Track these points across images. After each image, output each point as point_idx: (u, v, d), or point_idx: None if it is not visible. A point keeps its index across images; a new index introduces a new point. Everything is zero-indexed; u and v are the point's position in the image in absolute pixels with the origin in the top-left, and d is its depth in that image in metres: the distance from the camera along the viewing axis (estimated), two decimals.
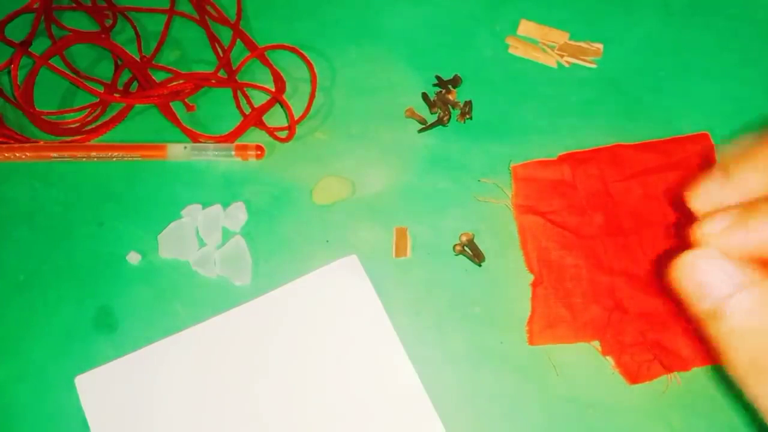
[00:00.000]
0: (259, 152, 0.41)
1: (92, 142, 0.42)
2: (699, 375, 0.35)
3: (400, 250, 0.38)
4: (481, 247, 0.38)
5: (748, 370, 0.21)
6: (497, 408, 0.35)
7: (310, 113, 0.43)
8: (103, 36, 0.45)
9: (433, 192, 0.40)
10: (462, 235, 0.38)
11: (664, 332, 0.35)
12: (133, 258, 0.39)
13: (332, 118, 0.43)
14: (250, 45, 0.45)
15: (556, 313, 0.36)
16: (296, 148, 0.42)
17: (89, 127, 0.43)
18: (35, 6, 0.46)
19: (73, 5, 0.46)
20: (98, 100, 0.43)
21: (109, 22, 0.46)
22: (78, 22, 0.46)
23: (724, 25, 0.44)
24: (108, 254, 0.39)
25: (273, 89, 0.43)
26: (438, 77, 0.43)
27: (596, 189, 0.38)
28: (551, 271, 0.37)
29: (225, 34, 0.45)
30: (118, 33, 0.46)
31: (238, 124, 0.42)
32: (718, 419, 0.34)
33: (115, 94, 0.43)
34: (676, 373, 0.35)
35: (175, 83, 0.43)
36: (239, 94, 0.43)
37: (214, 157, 0.41)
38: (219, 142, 0.41)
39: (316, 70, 0.43)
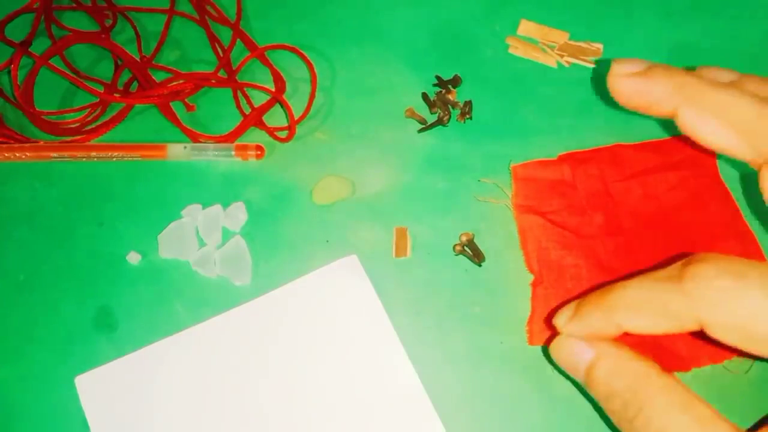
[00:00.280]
0: (259, 152, 0.41)
1: (92, 142, 0.42)
2: (699, 375, 0.35)
3: (400, 250, 0.38)
4: (481, 247, 0.38)
5: (620, 422, 0.26)
6: (497, 408, 0.35)
7: (310, 113, 0.43)
8: (103, 36, 0.45)
9: (433, 192, 0.40)
10: (462, 235, 0.38)
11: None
12: (133, 258, 0.39)
13: (332, 118, 0.43)
14: (250, 45, 0.45)
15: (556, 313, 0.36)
16: (296, 148, 0.42)
17: (89, 127, 0.43)
18: (35, 6, 0.46)
19: (73, 5, 0.46)
20: (98, 100, 0.43)
21: (109, 22, 0.46)
22: (78, 22, 0.46)
23: (724, 25, 0.44)
24: (108, 254, 0.39)
25: (273, 89, 0.43)
26: (438, 77, 0.43)
27: (596, 189, 0.39)
28: (551, 271, 0.37)
29: (225, 34, 0.45)
30: (118, 33, 0.46)
31: (238, 124, 0.42)
32: None
33: (115, 94, 0.43)
34: (675, 373, 0.35)
35: (175, 83, 0.43)
36: (239, 94, 0.43)
37: (214, 157, 0.41)
38: (219, 142, 0.42)
39: (316, 70, 0.43)
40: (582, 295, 0.35)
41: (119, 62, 0.44)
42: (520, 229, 0.38)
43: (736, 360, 0.34)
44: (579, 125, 0.41)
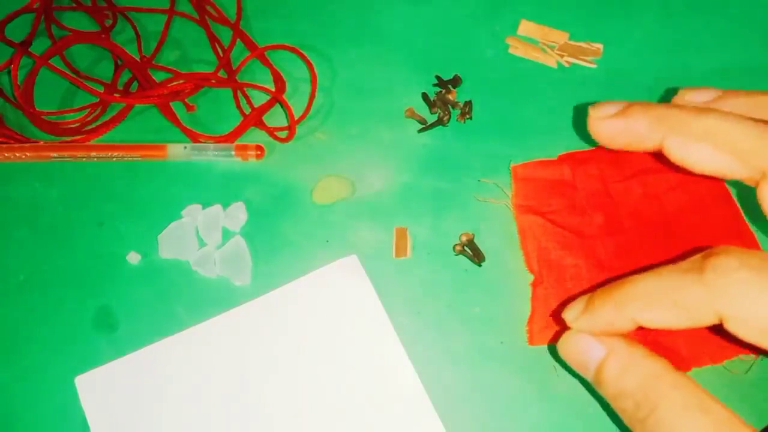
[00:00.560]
0: (259, 152, 0.41)
1: (92, 142, 0.42)
2: (699, 375, 0.34)
3: (400, 250, 0.38)
4: (481, 247, 0.38)
5: (631, 422, 0.26)
6: (497, 408, 0.35)
7: (310, 113, 0.43)
8: (103, 36, 0.45)
9: (433, 192, 0.40)
10: (462, 235, 0.38)
11: (663, 332, 0.35)
12: (133, 258, 0.39)
13: (332, 118, 0.43)
14: (250, 45, 0.45)
15: (556, 313, 0.36)
16: (296, 148, 0.42)
17: (89, 127, 0.43)
18: (35, 6, 0.46)
19: (73, 5, 0.46)
20: (98, 100, 0.43)
21: (109, 22, 0.46)
22: (78, 22, 0.46)
23: (724, 25, 0.44)
24: (108, 254, 0.39)
25: (273, 89, 0.43)
26: (438, 77, 0.43)
27: (596, 189, 0.39)
28: (551, 271, 0.37)
29: (225, 34, 0.45)
30: (118, 33, 0.46)
31: (238, 124, 0.42)
32: None
33: (115, 94, 0.43)
34: None
35: (175, 83, 0.43)
36: (239, 94, 0.43)
37: (214, 157, 0.41)
38: (219, 142, 0.42)
39: (316, 70, 0.43)
40: (582, 294, 0.35)
41: (119, 62, 0.44)
42: (520, 229, 0.38)
43: (736, 360, 0.34)
44: (579, 125, 0.41)
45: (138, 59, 0.44)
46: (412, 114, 0.42)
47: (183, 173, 0.41)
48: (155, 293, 0.38)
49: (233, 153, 0.41)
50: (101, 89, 0.43)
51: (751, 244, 0.37)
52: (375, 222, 0.39)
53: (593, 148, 0.40)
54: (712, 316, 0.24)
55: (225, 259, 0.38)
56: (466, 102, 0.42)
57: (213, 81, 0.43)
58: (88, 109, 0.43)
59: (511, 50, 0.44)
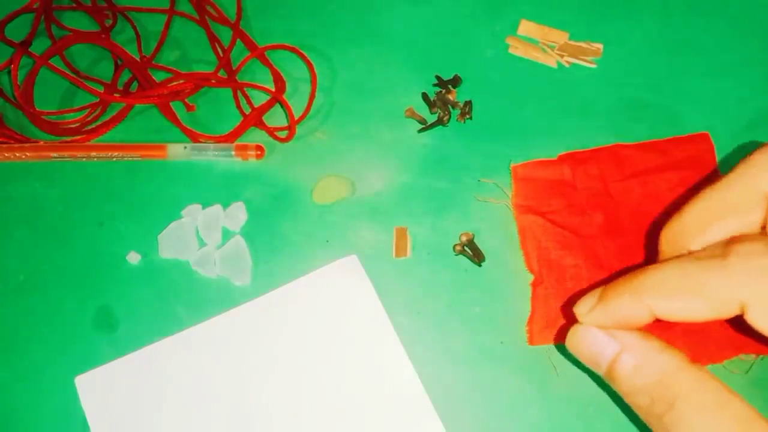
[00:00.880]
0: (259, 152, 0.41)
1: (92, 142, 0.42)
2: None
3: (400, 250, 0.38)
4: (481, 247, 0.38)
5: (647, 418, 0.25)
6: (497, 408, 0.35)
7: (310, 113, 0.43)
8: (103, 36, 0.45)
9: (433, 192, 0.40)
10: (462, 235, 0.38)
11: (663, 332, 0.35)
12: (133, 258, 0.39)
13: (332, 118, 0.43)
14: (250, 45, 0.45)
15: (556, 313, 0.36)
16: (296, 148, 0.42)
17: (89, 127, 0.43)
18: (35, 6, 0.46)
19: (73, 5, 0.46)
20: (98, 100, 0.43)
21: (109, 22, 0.46)
22: (78, 22, 0.46)
23: (724, 25, 0.44)
24: (108, 254, 0.39)
25: (273, 89, 0.43)
26: (438, 77, 0.43)
27: (596, 189, 0.39)
28: (551, 271, 0.37)
29: (225, 34, 0.45)
30: (118, 33, 0.46)
31: (238, 124, 0.42)
32: None
33: (115, 94, 0.43)
34: None
35: (175, 83, 0.43)
36: (239, 94, 0.43)
37: (214, 157, 0.41)
38: (219, 142, 0.42)
39: (316, 70, 0.43)
40: (582, 294, 0.35)
41: (119, 62, 0.44)
42: (520, 229, 0.38)
43: (736, 360, 0.34)
44: (579, 125, 0.41)
45: (138, 59, 0.44)
46: (412, 114, 0.42)
47: (183, 173, 0.41)
48: (155, 293, 0.38)
49: (233, 153, 0.41)
50: (101, 89, 0.43)
51: None
52: (375, 222, 0.39)
53: (593, 148, 0.40)
54: (735, 306, 0.23)
55: (225, 259, 0.38)
56: (466, 102, 0.42)
57: (213, 81, 0.43)
58: (88, 109, 0.43)
59: (511, 50, 0.44)
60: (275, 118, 0.43)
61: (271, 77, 0.44)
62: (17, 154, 0.41)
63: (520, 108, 0.42)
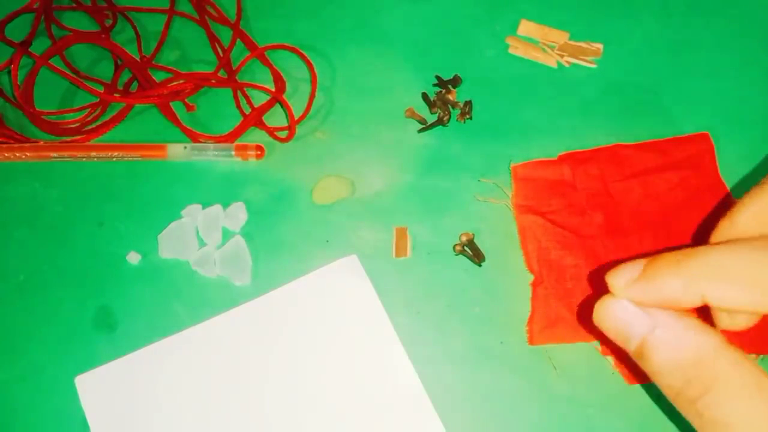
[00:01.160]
0: (259, 152, 0.41)
1: (92, 142, 0.42)
2: None
3: (400, 250, 0.38)
4: (481, 247, 0.38)
5: (677, 400, 0.23)
6: (497, 408, 0.35)
7: (310, 113, 0.43)
8: (103, 36, 0.45)
9: (433, 192, 0.40)
10: (462, 235, 0.38)
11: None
12: (133, 258, 0.39)
13: (332, 118, 0.43)
14: (250, 45, 0.45)
15: (556, 313, 0.36)
16: (296, 148, 0.42)
17: (89, 127, 0.43)
18: (35, 6, 0.46)
19: (73, 5, 0.46)
20: (98, 100, 0.43)
21: (109, 22, 0.46)
22: (78, 22, 0.46)
23: (724, 25, 0.44)
24: (108, 254, 0.39)
25: (273, 89, 0.43)
26: (438, 77, 0.43)
27: (596, 189, 0.39)
28: (551, 271, 0.37)
29: (225, 34, 0.45)
30: (118, 33, 0.46)
31: (238, 124, 0.42)
32: None
33: (115, 94, 0.43)
34: None
35: (175, 83, 0.43)
36: (239, 94, 0.43)
37: (214, 157, 0.41)
38: (219, 142, 0.42)
39: (316, 70, 0.43)
40: (582, 294, 0.35)
41: (119, 62, 0.44)
42: (520, 229, 0.38)
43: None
44: (579, 125, 0.41)
45: (138, 59, 0.44)
46: (412, 114, 0.42)
47: (183, 173, 0.41)
48: (155, 293, 0.38)
49: (233, 153, 0.41)
50: (101, 89, 0.43)
51: None
52: (375, 222, 0.39)
53: (593, 148, 0.40)
54: None
55: (225, 259, 0.38)
56: (466, 102, 0.42)
57: (213, 81, 0.43)
58: (88, 109, 0.43)
59: (511, 50, 0.44)
60: (275, 118, 0.43)
61: (271, 77, 0.44)
62: (17, 154, 0.41)
63: (520, 108, 0.42)
